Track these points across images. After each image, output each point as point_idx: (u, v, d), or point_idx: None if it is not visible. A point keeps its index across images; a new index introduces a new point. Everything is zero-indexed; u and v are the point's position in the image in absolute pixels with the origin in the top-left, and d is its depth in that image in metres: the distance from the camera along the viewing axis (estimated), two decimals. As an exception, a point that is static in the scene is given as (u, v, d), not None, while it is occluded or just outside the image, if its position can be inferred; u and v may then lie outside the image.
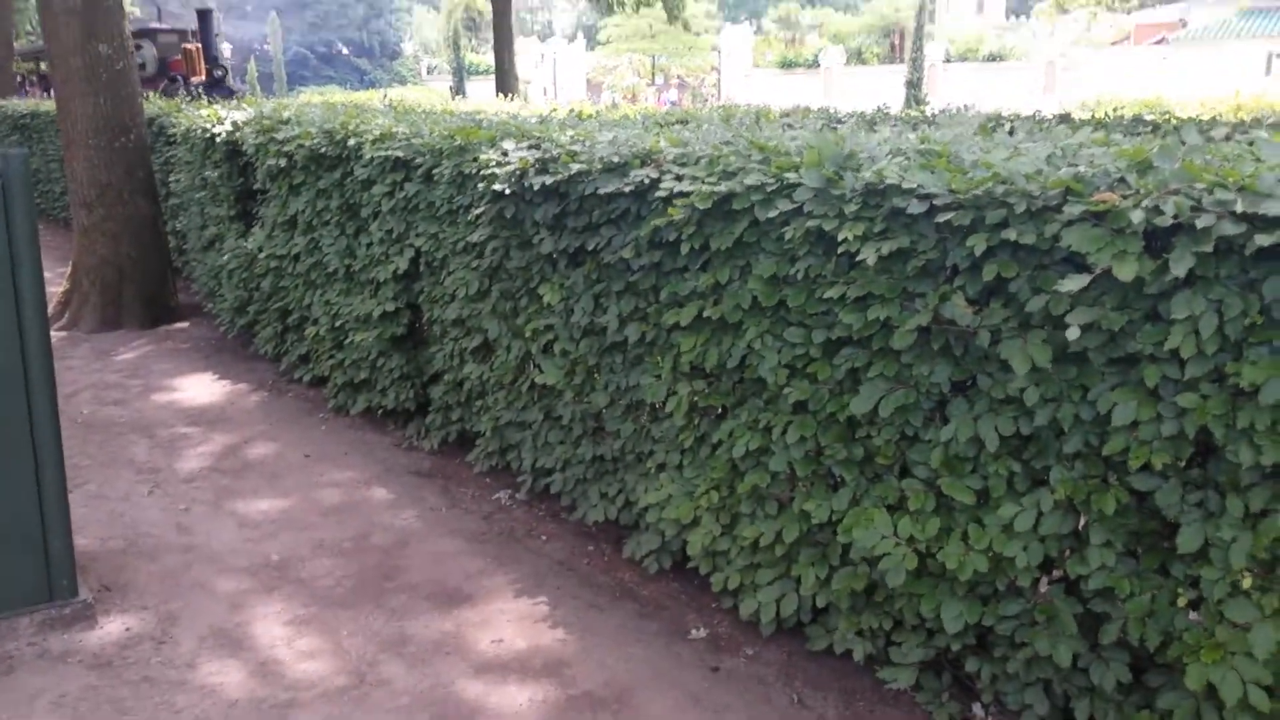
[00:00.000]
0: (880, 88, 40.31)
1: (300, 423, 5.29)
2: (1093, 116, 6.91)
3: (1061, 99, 38.37)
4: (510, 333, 4.09)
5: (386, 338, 4.91)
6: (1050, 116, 6.98)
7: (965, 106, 7.88)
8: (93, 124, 6.95)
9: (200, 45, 19.07)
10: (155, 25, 22.31)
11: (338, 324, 5.27)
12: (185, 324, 7.48)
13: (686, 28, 36.92)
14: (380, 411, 5.15)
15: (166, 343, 6.96)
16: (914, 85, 41.52)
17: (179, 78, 18.70)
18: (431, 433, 4.84)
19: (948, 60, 44.71)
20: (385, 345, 4.95)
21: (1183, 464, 2.06)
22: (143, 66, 19.91)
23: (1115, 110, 7.03)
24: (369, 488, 4.42)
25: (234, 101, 7.56)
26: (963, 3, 75.56)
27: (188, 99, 10.41)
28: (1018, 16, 71.02)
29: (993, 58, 45.16)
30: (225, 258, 6.34)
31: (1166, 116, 6.40)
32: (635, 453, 3.59)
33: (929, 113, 7.89)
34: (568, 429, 3.91)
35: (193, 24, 21.17)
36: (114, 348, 6.79)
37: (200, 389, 5.88)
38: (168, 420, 5.32)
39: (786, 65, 47.54)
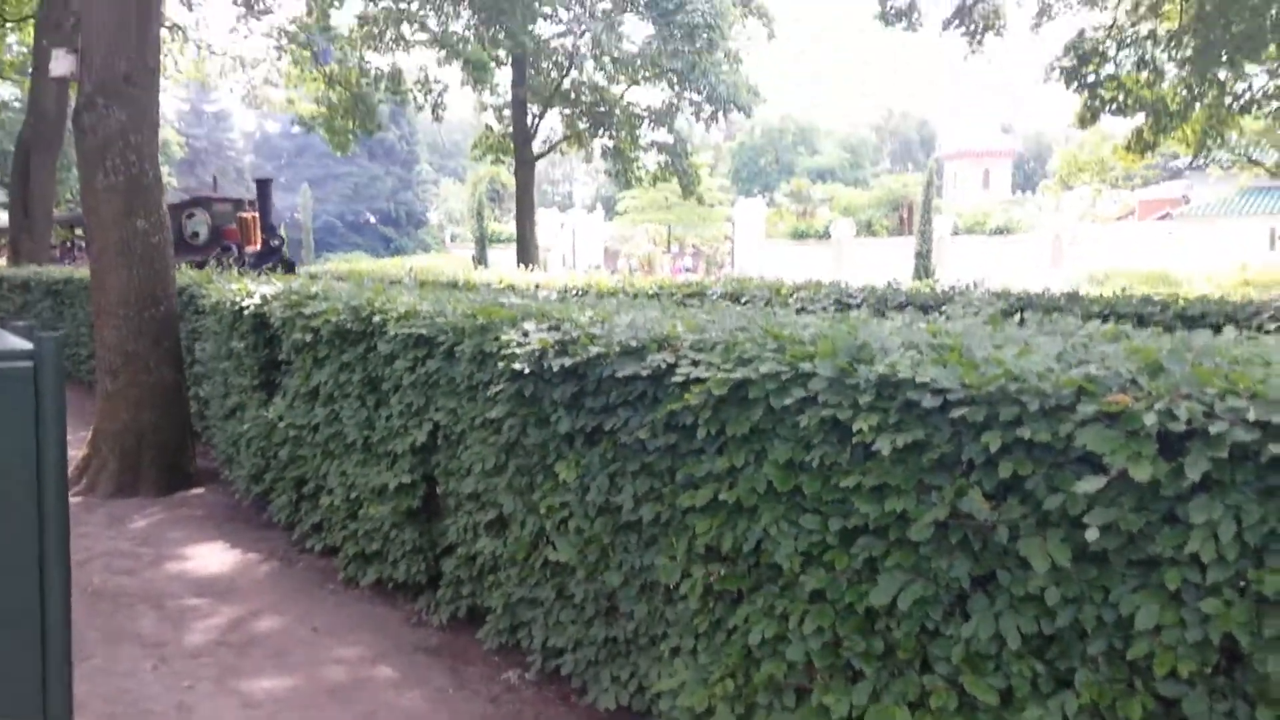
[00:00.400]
0: (890, 259, 41.30)
1: (310, 594, 5.23)
2: (1101, 295, 7.05)
3: (1069, 273, 39.12)
4: (525, 508, 4.08)
5: (401, 510, 4.90)
6: (1059, 295, 7.12)
7: (974, 284, 8.05)
8: (125, 295, 7.17)
9: (257, 214, 18.93)
10: (210, 194, 22.77)
11: (353, 495, 5.27)
12: (201, 490, 7.49)
13: (700, 202, 38.19)
14: (391, 584, 5.09)
15: (181, 509, 6.97)
16: (923, 257, 42.50)
17: (233, 246, 18.60)
18: (442, 607, 4.76)
19: (955, 233, 45.85)
20: (399, 517, 4.93)
21: (1209, 671, 2.01)
22: (195, 235, 20.05)
23: (1123, 291, 7.16)
24: (375, 665, 4.33)
25: (286, 272, 7.73)
26: (969, 178, 78.06)
27: (240, 268, 10.62)
28: (1023, 191, 73.20)
29: (1000, 231, 46.29)
30: (245, 426, 6.41)
31: (1175, 297, 6.52)
32: (649, 635, 3.53)
33: (939, 289, 8.06)
34: (580, 608, 3.85)
35: (250, 194, 21.33)
36: (129, 514, 6.79)
37: (212, 558, 5.85)
38: (177, 591, 5.27)
39: (798, 236, 48.90)
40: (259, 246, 17.94)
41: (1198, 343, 2.24)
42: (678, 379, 3.07)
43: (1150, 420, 1.91)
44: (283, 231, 19.73)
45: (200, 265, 13.13)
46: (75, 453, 7.60)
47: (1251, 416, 1.81)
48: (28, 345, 2.50)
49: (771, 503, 2.86)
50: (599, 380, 3.49)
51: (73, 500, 6.92)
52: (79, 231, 19.63)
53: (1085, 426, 2.04)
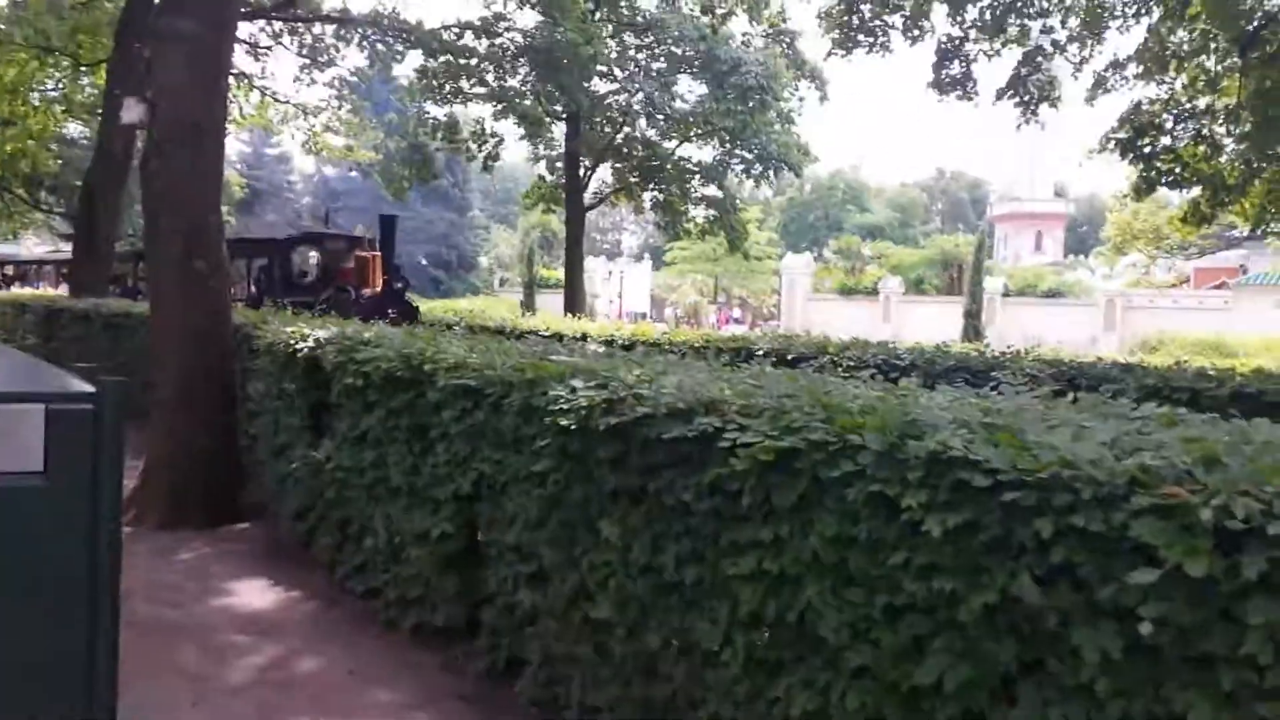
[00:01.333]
0: (939, 318, 41.07)
1: (350, 636, 5.26)
2: (1155, 366, 6.95)
3: (1122, 336, 38.59)
4: (567, 563, 4.08)
5: (442, 556, 4.93)
6: (1111, 364, 7.04)
7: (1025, 349, 8.00)
8: (181, 333, 7.35)
9: (378, 254, 17.20)
10: (322, 230, 22.03)
11: (396, 539, 5.31)
12: (246, 525, 7.59)
13: (746, 257, 38.36)
14: (430, 629, 5.11)
15: (227, 544, 7.06)
16: (973, 317, 42.20)
17: (349, 288, 16.81)
18: (480, 656, 4.76)
19: (1006, 294, 45.49)
20: (441, 563, 4.96)
21: (1267, 776, 1.96)
22: (304, 274, 18.70)
23: (1177, 363, 7.07)
24: (410, 712, 4.33)
25: (409, 321, 7.36)
26: (1022, 241, 77.57)
27: (355, 313, 9.89)
28: (1076, 255, 72.51)
29: (1051, 294, 45.87)
30: (294, 465, 6.51)
31: (1231, 371, 6.40)
32: (688, 699, 3.50)
33: (989, 353, 8.01)
34: (619, 666, 3.83)
35: (368, 233, 19.99)
36: (175, 547, 6.90)
37: (255, 594, 5.91)
38: (220, 626, 5.32)
39: (846, 292, 48.79)
40: (379, 289, 16.27)
41: (1258, 435, 2.21)
42: (724, 444, 3.08)
43: (1206, 515, 1.89)
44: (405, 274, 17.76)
45: (308, 307, 12.39)
46: (127, 481, 7.73)
47: (1312, 517, 1.79)
48: (89, 389, 2.58)
49: (817, 574, 2.85)
50: (645, 440, 3.50)
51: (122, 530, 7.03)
52: (141, 267, 19.33)
53: (1139, 517, 2.01)
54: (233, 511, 7.71)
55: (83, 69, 22.06)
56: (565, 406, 3.81)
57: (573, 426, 3.76)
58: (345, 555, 6.02)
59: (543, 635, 4.24)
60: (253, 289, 18.76)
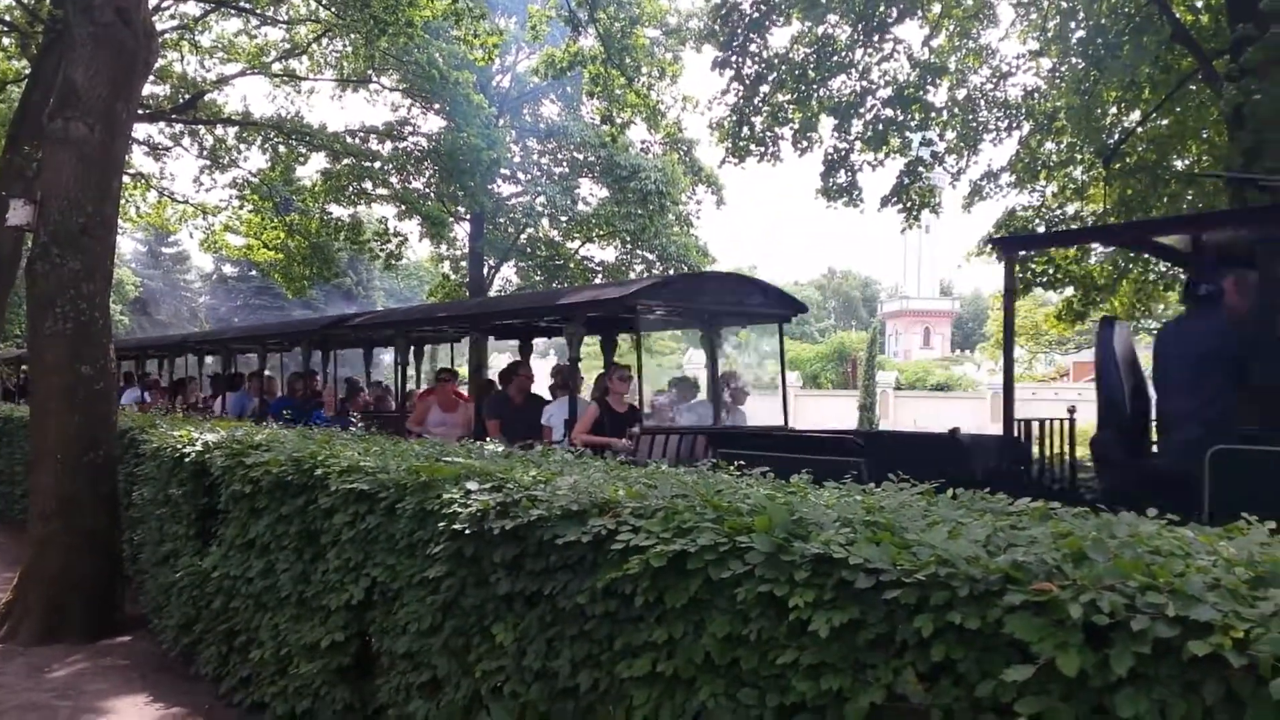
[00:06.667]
0: (835, 411, 41.94)
1: (231, 758, 4.99)
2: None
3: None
4: (460, 670, 3.98)
5: (333, 668, 4.76)
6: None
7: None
8: (64, 438, 7.07)
9: None
10: None
11: (284, 650, 5.11)
12: (128, 638, 7.22)
13: (651, 354, 38.73)
14: (318, 747, 4.89)
15: (106, 659, 6.69)
16: (867, 409, 43.34)
17: None
18: (370, 775, 4.57)
19: (898, 388, 46.98)
20: (331, 676, 4.78)
21: None
22: None
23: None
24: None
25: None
26: (911, 337, 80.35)
27: None
28: (963, 350, 75.38)
29: (940, 387, 47.54)
30: (178, 574, 6.24)
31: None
32: (584, 810, 3.41)
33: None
34: (514, 779, 3.71)
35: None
36: (49, 663, 6.51)
37: (133, 712, 5.60)
38: (89, 751, 5.00)
39: (748, 388, 49.45)
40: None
41: (1121, 530, 2.31)
42: (618, 546, 3.08)
43: (1076, 611, 1.95)
44: None
45: None
46: (1, 593, 7.33)
47: (1171, 612, 1.87)
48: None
49: (710, 676, 2.84)
50: (539, 543, 3.48)
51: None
52: (24, 368, 18.29)
53: (1013, 613, 2.08)
54: (114, 624, 7.34)
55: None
56: (460, 510, 3.77)
57: (467, 530, 3.71)
58: (231, 668, 5.77)
59: (436, 749, 4.09)
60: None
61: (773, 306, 9.41)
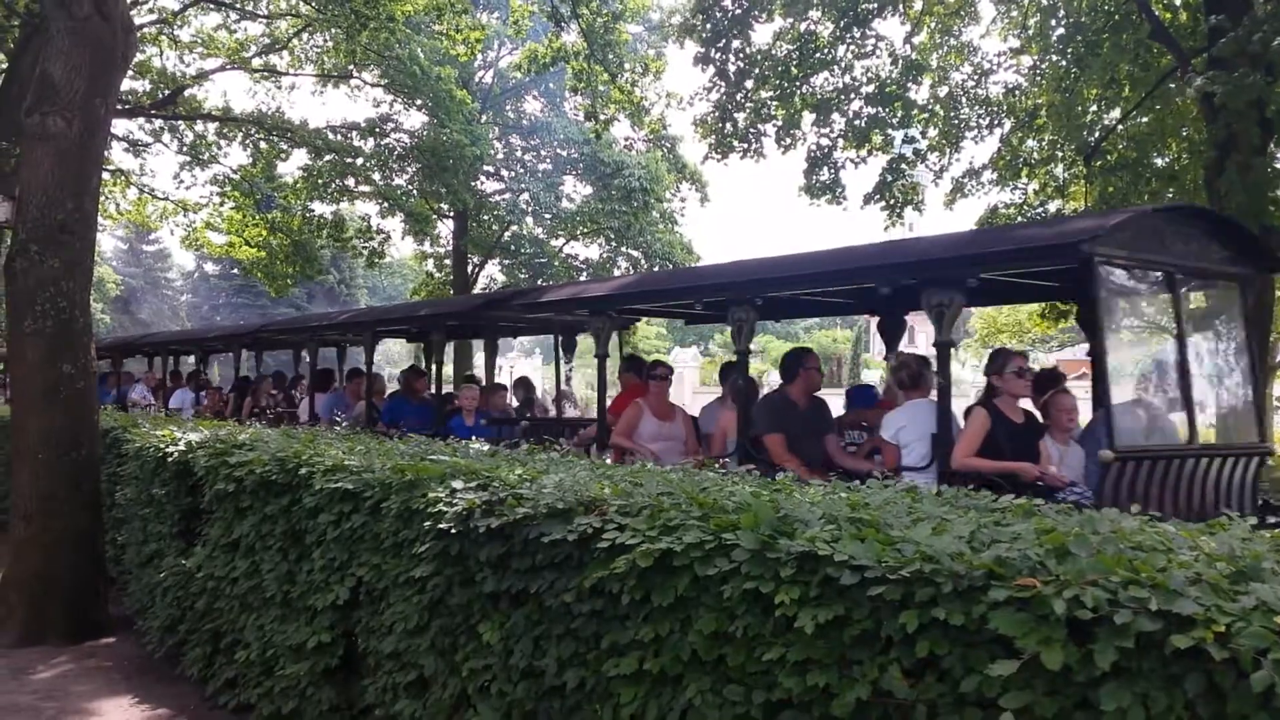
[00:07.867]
0: (821, 410, 41.97)
1: (217, 759, 4.98)
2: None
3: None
4: (447, 670, 3.98)
5: (319, 669, 4.74)
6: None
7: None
8: (44, 438, 7.02)
9: None
10: None
11: (269, 651, 5.09)
12: (112, 639, 7.19)
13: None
14: (304, 747, 4.87)
15: (90, 660, 6.66)
16: (853, 409, 43.35)
17: None
18: (357, 774, 4.56)
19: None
20: (317, 677, 4.77)
21: None
22: None
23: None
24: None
25: None
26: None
27: None
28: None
29: (926, 385, 47.49)
30: (162, 574, 6.22)
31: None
32: (572, 807, 3.41)
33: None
34: (501, 777, 3.71)
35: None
36: (33, 665, 6.47)
37: (118, 714, 5.57)
38: (73, 753, 4.98)
39: (733, 385, 49.46)
40: None
41: (1104, 526, 2.33)
42: (603, 544, 3.08)
43: (1060, 606, 1.97)
44: None
45: None
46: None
47: (1154, 606, 1.88)
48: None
49: (696, 673, 2.85)
50: (525, 541, 3.48)
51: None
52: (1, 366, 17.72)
53: (998, 609, 2.09)
54: (98, 625, 7.30)
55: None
56: (445, 509, 3.76)
57: (453, 529, 3.71)
58: (216, 669, 5.75)
59: (423, 748, 4.09)
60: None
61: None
